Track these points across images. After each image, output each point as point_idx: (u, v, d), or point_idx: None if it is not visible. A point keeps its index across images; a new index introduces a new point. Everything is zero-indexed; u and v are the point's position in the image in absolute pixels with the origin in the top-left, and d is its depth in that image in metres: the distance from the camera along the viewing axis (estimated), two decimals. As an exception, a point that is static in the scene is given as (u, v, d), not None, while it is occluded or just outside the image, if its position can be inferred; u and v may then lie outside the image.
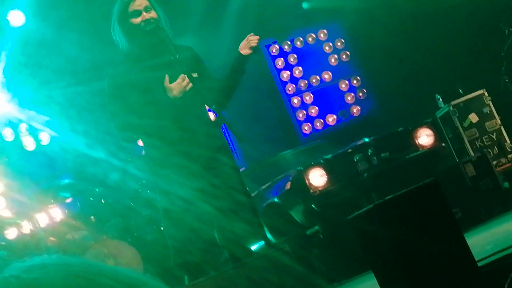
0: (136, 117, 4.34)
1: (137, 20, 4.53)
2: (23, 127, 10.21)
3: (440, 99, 9.82)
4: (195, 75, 4.53)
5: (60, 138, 9.97)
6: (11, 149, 10.11)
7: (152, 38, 4.53)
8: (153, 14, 4.56)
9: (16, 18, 9.18)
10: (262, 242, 6.19)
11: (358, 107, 12.71)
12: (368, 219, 3.40)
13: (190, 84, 4.43)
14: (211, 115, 4.85)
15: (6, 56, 9.12)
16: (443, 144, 8.50)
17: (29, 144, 10.29)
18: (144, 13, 4.54)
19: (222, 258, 4.76)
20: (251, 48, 4.82)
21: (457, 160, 8.66)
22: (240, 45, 4.87)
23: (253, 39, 4.83)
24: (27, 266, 1.02)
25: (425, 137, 8.16)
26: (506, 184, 7.83)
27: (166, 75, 4.44)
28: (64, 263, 1.03)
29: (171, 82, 4.42)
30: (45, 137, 10.24)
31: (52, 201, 8.54)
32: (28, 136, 10.27)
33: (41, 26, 9.33)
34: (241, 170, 9.55)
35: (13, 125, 10.15)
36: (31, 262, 1.04)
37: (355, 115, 12.68)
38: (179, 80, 4.41)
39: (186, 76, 4.44)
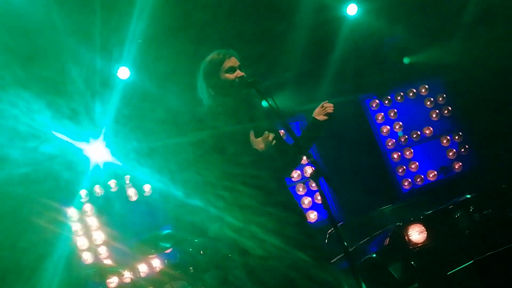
0: (234, 166, 4.43)
1: (231, 76, 4.68)
2: (127, 178, 10.55)
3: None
4: (273, 134, 4.60)
5: (160, 188, 10.23)
6: (114, 200, 10.43)
7: (248, 91, 4.65)
8: (243, 74, 4.71)
9: (123, 73, 9.58)
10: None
11: (460, 163, 12.50)
12: (467, 274, 3.35)
13: (275, 141, 4.51)
14: (306, 169, 4.88)
15: (112, 109, 9.48)
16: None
17: (132, 194, 10.61)
18: (238, 71, 4.70)
19: None
20: (327, 114, 4.83)
21: None
22: (315, 111, 4.88)
23: (328, 106, 4.84)
24: None
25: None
26: None
27: (251, 130, 4.55)
28: None
29: (256, 136, 4.53)
30: (147, 188, 10.55)
31: (152, 251, 8.70)
32: (132, 187, 10.60)
33: (145, 80, 9.69)
34: (339, 224, 9.57)
35: (117, 177, 10.50)
36: None
37: (456, 171, 12.46)
38: (265, 135, 4.50)
39: (270, 133, 4.53)
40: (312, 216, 11.48)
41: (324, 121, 4.82)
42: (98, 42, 8.62)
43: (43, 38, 8.25)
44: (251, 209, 4.42)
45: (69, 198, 9.93)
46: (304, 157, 4.77)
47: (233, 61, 4.71)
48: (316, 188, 4.58)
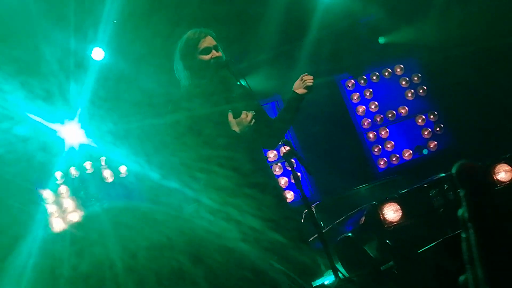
0: (210, 148, 4.43)
1: (207, 57, 4.65)
2: (102, 160, 10.52)
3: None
4: (252, 113, 4.59)
5: (136, 170, 10.21)
6: (89, 181, 10.40)
7: (224, 73, 4.63)
8: (220, 54, 4.68)
9: (97, 54, 9.52)
10: (331, 277, 6.18)
11: (435, 142, 12.59)
12: (438, 253, 3.37)
13: (253, 120, 4.51)
14: (282, 149, 4.88)
15: (87, 90, 9.42)
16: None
17: (108, 176, 10.58)
18: (213, 51, 4.67)
19: None
20: (307, 87, 4.83)
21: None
22: (295, 85, 4.88)
23: (308, 79, 4.84)
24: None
25: (503, 173, 7.99)
26: None
27: (230, 110, 4.54)
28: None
29: (234, 117, 4.52)
30: (123, 170, 10.53)
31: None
32: (107, 169, 10.57)
33: (120, 61, 9.63)
34: (315, 204, 9.62)
35: (93, 158, 10.46)
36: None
37: (432, 150, 12.55)
38: (243, 115, 4.50)
39: (249, 112, 4.52)
40: (289, 196, 11.52)
41: (304, 94, 4.83)
42: (73, 22, 8.53)
43: (15, 18, 8.16)
44: (227, 191, 4.42)
45: (44, 180, 9.87)
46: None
47: (208, 41, 4.69)
48: (297, 159, 4.56)
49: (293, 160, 4.49)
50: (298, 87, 4.85)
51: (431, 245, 3.44)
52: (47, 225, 9.56)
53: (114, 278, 0.89)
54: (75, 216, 10.18)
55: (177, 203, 7.68)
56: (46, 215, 9.80)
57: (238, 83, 4.65)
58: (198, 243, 0.98)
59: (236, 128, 4.51)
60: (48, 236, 1.02)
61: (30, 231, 8.60)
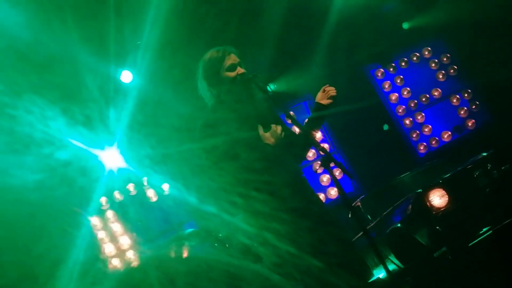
0: (247, 173, 4.40)
1: (233, 74, 4.63)
2: (145, 180, 10.62)
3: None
4: (279, 126, 4.59)
5: (174, 194, 10.29)
6: (129, 206, 10.50)
7: (251, 89, 4.62)
8: (244, 70, 4.66)
9: (126, 77, 9.63)
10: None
11: (473, 120, 12.47)
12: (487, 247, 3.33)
13: (283, 133, 4.51)
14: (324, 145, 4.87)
15: (126, 116, 9.52)
16: None
17: (152, 195, 10.68)
18: (239, 68, 4.65)
19: None
20: (331, 97, 4.83)
21: None
22: (317, 96, 4.87)
23: (330, 89, 4.83)
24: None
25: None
26: None
27: (259, 125, 4.53)
28: None
29: (264, 131, 4.51)
30: (166, 188, 10.60)
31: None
32: (150, 188, 10.67)
33: (159, 86, 9.72)
34: (361, 197, 9.61)
35: (133, 181, 10.56)
36: None
37: (470, 128, 12.43)
38: (273, 128, 4.49)
39: (277, 126, 4.53)
40: (333, 192, 11.52)
41: (329, 104, 4.83)
42: (112, 49, 8.66)
43: (57, 45, 8.28)
44: (264, 215, 4.41)
45: (84, 204, 9.94)
46: (319, 134, 4.78)
47: (233, 58, 4.67)
48: (334, 165, 4.54)
49: (331, 164, 4.47)
50: (322, 99, 4.84)
51: (477, 239, 3.40)
52: (87, 250, 9.60)
53: None
54: (125, 239, 10.30)
55: (213, 227, 7.74)
56: (87, 239, 9.82)
57: (265, 95, 4.62)
58: None
59: (269, 141, 4.50)
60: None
61: (71, 256, 8.71)
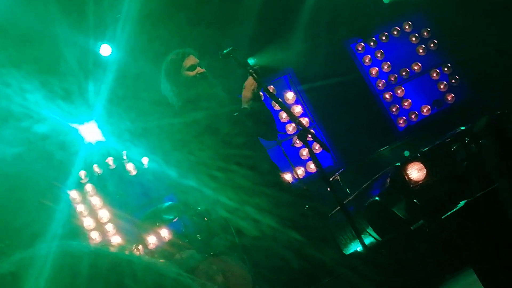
0: (228, 147, 4.49)
1: (192, 73, 4.88)
2: (124, 154, 10.58)
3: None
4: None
5: (153, 168, 10.26)
6: (109, 179, 10.47)
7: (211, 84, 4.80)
8: (204, 70, 4.87)
9: (105, 50, 9.55)
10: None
11: (452, 95, 12.51)
12: (461, 217, 3.35)
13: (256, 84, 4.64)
14: (302, 120, 4.89)
15: (105, 89, 9.45)
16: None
17: (131, 169, 10.66)
18: (198, 68, 4.86)
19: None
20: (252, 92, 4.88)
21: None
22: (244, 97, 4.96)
23: (248, 84, 4.89)
24: None
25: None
26: None
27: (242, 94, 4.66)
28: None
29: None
30: (145, 161, 10.57)
31: (157, 224, 8.78)
32: (130, 162, 10.64)
33: (139, 60, 9.64)
34: (340, 171, 9.64)
35: (112, 154, 10.52)
36: None
37: (449, 102, 12.48)
38: (247, 87, 4.62)
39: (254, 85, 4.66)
40: (312, 166, 11.54)
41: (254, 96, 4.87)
42: (91, 22, 8.60)
43: (36, 18, 8.21)
44: (245, 189, 4.44)
45: (62, 177, 9.88)
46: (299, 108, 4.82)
47: (192, 60, 4.95)
48: (312, 139, 4.59)
49: (309, 136, 4.50)
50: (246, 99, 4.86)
51: (452, 211, 3.41)
52: (65, 224, 9.56)
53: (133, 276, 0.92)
54: (105, 213, 10.29)
55: (194, 201, 7.75)
56: (66, 213, 9.76)
57: (244, 69, 4.71)
58: None
59: (248, 99, 4.62)
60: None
61: (49, 229, 8.68)
